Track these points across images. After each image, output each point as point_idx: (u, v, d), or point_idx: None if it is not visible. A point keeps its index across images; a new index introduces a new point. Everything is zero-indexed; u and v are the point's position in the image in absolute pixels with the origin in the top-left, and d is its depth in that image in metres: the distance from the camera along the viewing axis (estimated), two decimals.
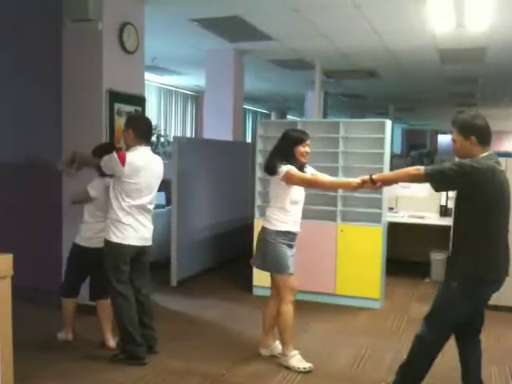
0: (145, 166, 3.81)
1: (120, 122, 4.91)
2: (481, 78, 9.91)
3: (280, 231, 3.77)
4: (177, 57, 8.50)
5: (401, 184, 6.19)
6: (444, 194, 6.47)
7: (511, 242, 3.10)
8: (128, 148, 3.88)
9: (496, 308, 5.21)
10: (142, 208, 3.83)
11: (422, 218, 6.48)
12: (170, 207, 6.31)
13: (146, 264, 4.07)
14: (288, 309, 3.83)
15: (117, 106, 4.87)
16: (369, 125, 5.56)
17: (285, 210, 3.78)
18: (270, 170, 3.82)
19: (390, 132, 5.44)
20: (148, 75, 9.35)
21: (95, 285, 4.22)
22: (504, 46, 6.98)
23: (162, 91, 11.97)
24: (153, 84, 11.30)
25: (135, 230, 3.80)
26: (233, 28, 6.43)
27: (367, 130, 5.46)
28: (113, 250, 3.78)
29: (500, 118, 18.25)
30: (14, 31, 5.22)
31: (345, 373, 3.83)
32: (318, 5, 5.43)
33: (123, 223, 3.75)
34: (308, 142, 3.83)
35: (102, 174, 3.96)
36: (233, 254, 7.26)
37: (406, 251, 6.97)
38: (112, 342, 4.12)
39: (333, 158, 5.42)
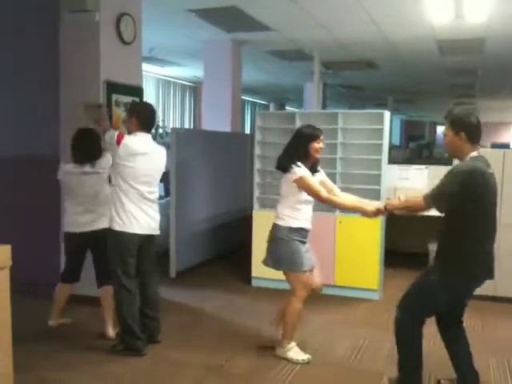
0: (142, 151, 3.76)
1: (118, 112, 4.90)
2: (480, 70, 9.89)
3: (292, 228, 3.75)
4: (174, 48, 8.46)
5: (399, 175, 6.20)
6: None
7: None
8: (129, 133, 3.87)
9: (494, 299, 5.24)
10: (141, 195, 3.78)
11: None
12: (168, 198, 6.31)
13: (153, 256, 4.04)
14: (298, 306, 3.79)
15: (114, 96, 4.85)
16: (367, 116, 5.55)
17: (297, 209, 3.76)
18: (283, 167, 3.77)
19: (388, 123, 5.43)
20: (146, 66, 9.31)
21: (97, 270, 4.25)
22: (503, 36, 6.96)
23: (160, 82, 11.93)
24: (151, 75, 11.25)
25: (136, 217, 3.76)
26: (230, 18, 6.40)
27: (366, 121, 5.45)
28: (116, 239, 3.76)
29: (499, 109, 18.24)
30: (13, 31, 5.20)
31: (343, 363, 3.84)
32: None
33: (124, 210, 3.72)
34: (321, 137, 3.81)
35: (76, 161, 4.11)
36: (232, 246, 7.26)
37: (404, 242, 6.97)
38: (112, 332, 4.12)
39: (331, 149, 5.40)
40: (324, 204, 3.84)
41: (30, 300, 4.72)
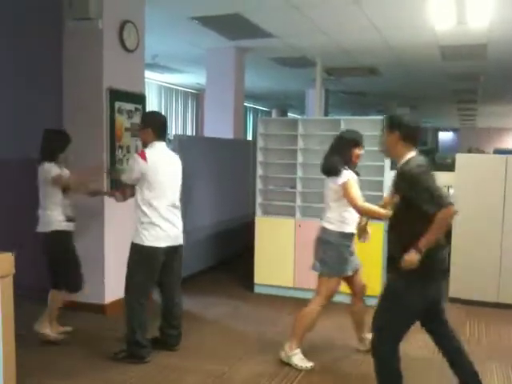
0: (164, 161, 3.89)
1: (120, 120, 4.92)
2: (482, 75, 9.89)
3: (344, 233, 3.78)
4: (177, 55, 8.49)
5: None
6: (445, 190, 6.45)
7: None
8: (145, 145, 3.92)
9: (497, 305, 5.23)
10: (172, 205, 3.90)
11: None
12: None
13: (179, 267, 4.12)
14: (315, 311, 3.80)
15: (117, 104, 4.87)
16: (370, 122, 5.55)
17: (348, 212, 3.79)
18: (330, 171, 3.80)
19: None
20: (148, 73, 9.34)
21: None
22: (505, 42, 6.97)
23: (163, 89, 11.96)
24: (153, 82, 11.29)
25: (163, 229, 3.83)
26: (233, 26, 6.42)
27: (368, 127, 5.45)
28: (140, 252, 3.79)
29: (502, 114, 18.21)
30: (15, 31, 5.23)
31: (347, 370, 3.83)
32: (318, 1, 5.42)
33: (151, 223, 3.77)
34: (363, 144, 3.87)
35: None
36: (234, 252, 7.26)
37: None
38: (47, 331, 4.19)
39: None
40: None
41: (30, 305, 4.72)
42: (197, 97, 13.26)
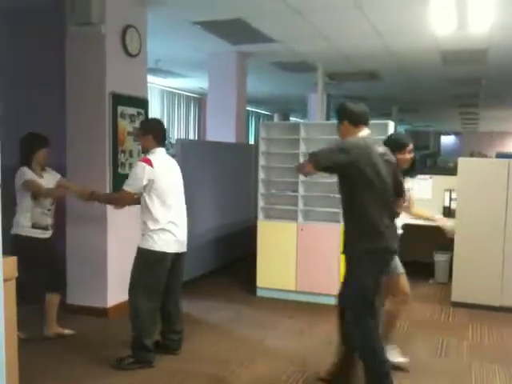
0: (167, 166, 3.94)
1: (123, 124, 4.94)
2: (483, 80, 9.90)
3: None
4: (180, 59, 8.52)
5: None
6: (447, 194, 6.44)
7: None
8: (146, 151, 3.94)
9: (500, 309, 5.23)
10: (180, 210, 3.96)
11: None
12: None
13: (182, 272, 4.15)
14: (402, 310, 3.86)
15: (120, 108, 4.89)
16: (371, 126, 5.51)
17: None
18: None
19: None
20: (151, 78, 9.37)
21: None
22: (505, 47, 6.98)
23: (165, 94, 12.00)
24: (156, 86, 11.32)
25: (175, 234, 3.87)
26: (235, 31, 6.44)
27: (370, 131, 5.46)
28: (149, 257, 3.79)
29: (504, 118, 18.20)
30: (17, 35, 5.26)
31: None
32: (320, 7, 5.44)
33: (164, 229, 3.80)
34: (408, 148, 3.80)
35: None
36: (236, 256, 7.26)
37: (409, 252, 6.93)
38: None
39: None
40: (328, 214, 3.88)
41: (34, 309, 4.73)
42: (199, 101, 13.29)
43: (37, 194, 4.20)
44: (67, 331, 4.40)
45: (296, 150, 5.62)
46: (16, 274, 2.74)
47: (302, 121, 9.61)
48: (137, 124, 5.10)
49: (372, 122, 5.49)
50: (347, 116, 3.31)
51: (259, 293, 5.72)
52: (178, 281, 4.11)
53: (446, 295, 5.66)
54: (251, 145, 9.73)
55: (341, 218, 5.38)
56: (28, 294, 4.16)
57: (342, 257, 5.24)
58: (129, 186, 3.81)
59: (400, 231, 3.82)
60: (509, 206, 5.21)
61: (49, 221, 4.31)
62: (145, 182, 3.76)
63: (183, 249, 4.00)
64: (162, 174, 3.83)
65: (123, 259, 4.37)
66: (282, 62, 8.49)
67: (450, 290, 5.52)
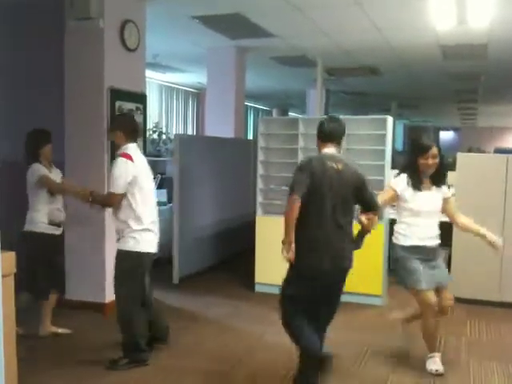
0: (143, 161, 3.83)
1: None
2: (483, 75, 9.89)
3: (404, 246, 3.71)
4: (178, 54, 8.49)
5: None
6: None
7: None
8: (118, 147, 3.82)
9: (499, 304, 5.23)
10: (155, 208, 3.86)
11: None
12: (171, 204, 6.32)
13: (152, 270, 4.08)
14: (425, 322, 3.74)
15: (118, 103, 4.88)
16: (370, 121, 5.55)
17: (405, 223, 3.73)
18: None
19: (391, 129, 5.44)
20: (149, 73, 9.34)
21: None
22: (505, 42, 6.97)
23: (164, 88, 11.96)
24: (154, 81, 11.29)
25: (156, 233, 3.82)
26: (234, 25, 6.42)
27: (369, 126, 5.46)
28: (133, 258, 3.70)
29: (503, 114, 18.19)
30: (15, 31, 5.23)
31: (347, 370, 3.82)
32: (319, 2, 5.42)
33: (148, 230, 3.72)
34: (430, 153, 3.61)
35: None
36: (235, 252, 7.26)
37: None
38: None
39: None
40: None
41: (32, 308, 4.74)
42: (198, 96, 13.26)
43: (53, 189, 4.17)
44: (61, 330, 4.37)
45: (295, 145, 5.61)
46: (14, 270, 2.73)
47: (300, 116, 9.59)
48: (135, 119, 5.09)
49: (370, 117, 5.49)
50: (318, 133, 3.47)
51: (258, 288, 5.72)
52: (151, 278, 4.02)
53: None
54: (250, 140, 9.72)
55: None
56: (40, 291, 4.18)
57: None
58: (116, 187, 3.64)
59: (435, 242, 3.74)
60: (507, 201, 5.22)
61: (62, 217, 4.30)
62: (129, 179, 3.63)
63: (157, 249, 3.91)
64: (142, 170, 3.74)
65: None
66: (281, 57, 8.47)
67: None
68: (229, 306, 5.33)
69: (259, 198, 5.79)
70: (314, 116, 8.28)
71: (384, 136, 5.28)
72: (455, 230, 5.26)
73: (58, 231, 4.28)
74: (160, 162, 7.93)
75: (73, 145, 4.87)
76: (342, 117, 5.57)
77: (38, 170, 4.13)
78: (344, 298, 5.30)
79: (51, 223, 4.19)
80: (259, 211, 5.77)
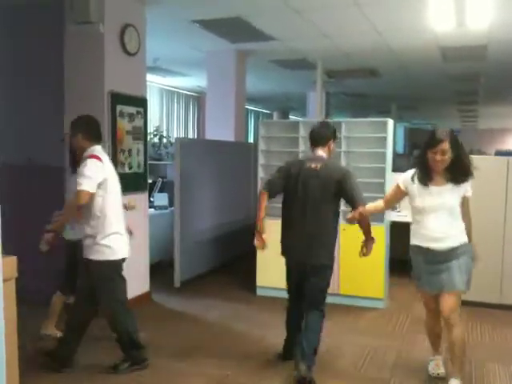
0: (109, 163, 3.71)
1: (122, 123, 4.94)
2: (483, 76, 9.90)
3: (411, 245, 3.63)
4: (178, 58, 8.50)
5: None
6: None
7: None
8: (82, 150, 3.66)
9: (500, 307, 5.23)
10: (122, 211, 3.78)
11: None
12: (172, 208, 6.32)
13: None
14: (425, 324, 3.77)
15: (119, 107, 4.89)
16: (371, 124, 5.55)
17: (414, 222, 3.61)
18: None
19: (392, 131, 5.44)
20: (150, 76, 9.36)
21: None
22: (505, 43, 6.98)
23: (164, 92, 11.98)
24: (155, 85, 11.31)
25: (125, 235, 3.75)
26: (234, 29, 6.43)
27: (369, 129, 5.46)
28: (114, 267, 3.66)
29: (503, 115, 18.19)
30: (16, 33, 5.24)
31: (348, 373, 3.83)
32: (319, 5, 5.43)
33: (120, 234, 3.66)
34: (438, 147, 3.28)
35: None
36: (236, 255, 7.26)
37: (406, 250, 6.95)
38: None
39: (335, 157, 5.40)
40: None
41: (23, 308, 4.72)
42: (198, 100, 13.28)
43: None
44: (60, 335, 4.35)
45: (295, 148, 5.61)
46: (16, 274, 2.73)
47: (301, 119, 9.59)
48: (136, 123, 5.10)
49: (371, 119, 5.50)
50: (308, 138, 3.87)
51: (259, 292, 5.72)
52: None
53: None
54: (250, 143, 9.73)
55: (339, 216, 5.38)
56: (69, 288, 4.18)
57: (342, 255, 5.35)
58: (85, 186, 3.44)
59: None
60: (508, 203, 5.21)
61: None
62: (100, 180, 3.50)
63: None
64: (111, 171, 3.65)
65: None
66: (281, 60, 8.48)
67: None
68: (230, 309, 5.33)
69: None
70: (315, 119, 8.28)
71: (384, 138, 5.28)
72: None
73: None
74: (161, 166, 7.94)
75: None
76: (342, 120, 5.65)
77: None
78: (346, 301, 5.36)
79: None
80: None
